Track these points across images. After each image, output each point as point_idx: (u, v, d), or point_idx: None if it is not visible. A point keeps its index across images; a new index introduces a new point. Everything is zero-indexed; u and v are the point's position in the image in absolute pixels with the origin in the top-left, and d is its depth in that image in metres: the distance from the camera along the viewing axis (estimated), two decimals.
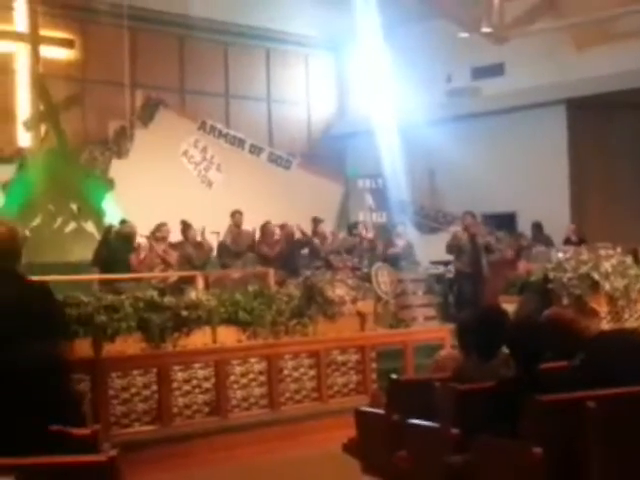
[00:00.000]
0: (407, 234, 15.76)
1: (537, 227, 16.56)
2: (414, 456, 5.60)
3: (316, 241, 14.73)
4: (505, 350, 5.45)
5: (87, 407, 8.06)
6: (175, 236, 13.98)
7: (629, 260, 11.97)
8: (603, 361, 4.64)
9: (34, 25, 16.89)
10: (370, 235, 15.53)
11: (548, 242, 15.89)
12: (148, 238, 13.28)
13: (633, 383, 4.48)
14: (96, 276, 12.58)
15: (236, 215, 14.39)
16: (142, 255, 13.02)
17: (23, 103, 16.97)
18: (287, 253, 14.43)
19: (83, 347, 8.78)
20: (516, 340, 4.93)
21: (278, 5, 19.76)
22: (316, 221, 15.35)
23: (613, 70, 16.56)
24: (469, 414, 4.98)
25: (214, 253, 14.18)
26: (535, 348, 4.84)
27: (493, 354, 5.47)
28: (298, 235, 14.95)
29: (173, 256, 13.25)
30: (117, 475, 3.21)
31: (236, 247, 13.99)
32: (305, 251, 14.95)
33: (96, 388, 8.57)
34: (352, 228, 15.94)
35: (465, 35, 18.43)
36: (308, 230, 15.28)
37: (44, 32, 17.08)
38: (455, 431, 5.01)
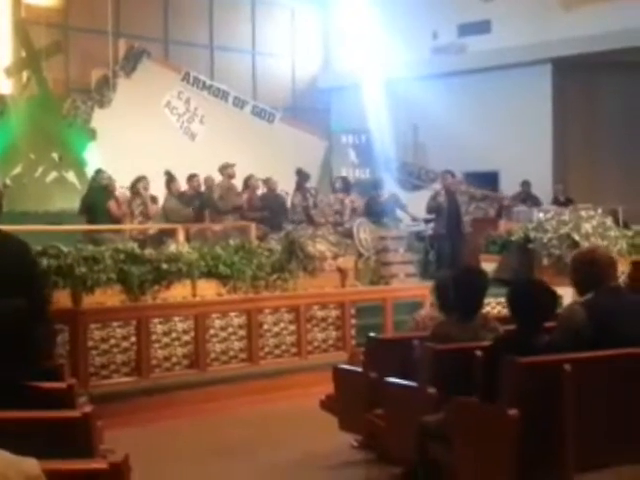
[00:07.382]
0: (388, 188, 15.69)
1: (526, 186, 16.49)
2: (390, 414, 5.64)
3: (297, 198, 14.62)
4: (484, 311, 5.47)
5: (66, 359, 8.01)
6: (158, 188, 13.86)
7: (609, 221, 12.03)
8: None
9: None
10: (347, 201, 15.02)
11: (536, 202, 15.84)
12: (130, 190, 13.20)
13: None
14: (75, 227, 12.52)
15: (228, 168, 14.22)
16: (121, 203, 12.95)
17: (4, 49, 16.71)
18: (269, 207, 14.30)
19: (62, 298, 8.75)
20: (517, 302, 4.88)
21: None
22: (301, 174, 15.07)
23: (599, 30, 16.46)
24: (447, 374, 5.00)
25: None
26: (536, 310, 4.79)
27: (474, 315, 5.47)
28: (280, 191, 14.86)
29: (152, 210, 13.18)
30: (92, 431, 3.18)
31: (223, 205, 13.81)
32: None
33: (75, 339, 8.54)
34: (334, 184, 15.68)
35: None
36: (291, 183, 15.09)
37: None
38: (432, 391, 5.04)
